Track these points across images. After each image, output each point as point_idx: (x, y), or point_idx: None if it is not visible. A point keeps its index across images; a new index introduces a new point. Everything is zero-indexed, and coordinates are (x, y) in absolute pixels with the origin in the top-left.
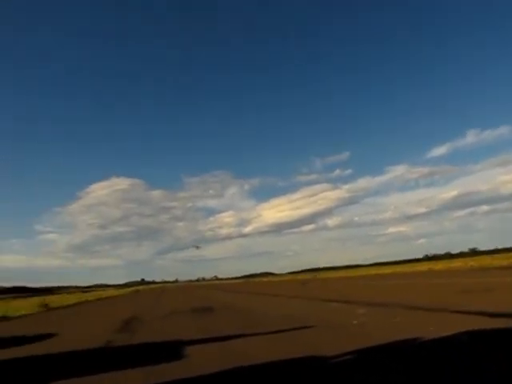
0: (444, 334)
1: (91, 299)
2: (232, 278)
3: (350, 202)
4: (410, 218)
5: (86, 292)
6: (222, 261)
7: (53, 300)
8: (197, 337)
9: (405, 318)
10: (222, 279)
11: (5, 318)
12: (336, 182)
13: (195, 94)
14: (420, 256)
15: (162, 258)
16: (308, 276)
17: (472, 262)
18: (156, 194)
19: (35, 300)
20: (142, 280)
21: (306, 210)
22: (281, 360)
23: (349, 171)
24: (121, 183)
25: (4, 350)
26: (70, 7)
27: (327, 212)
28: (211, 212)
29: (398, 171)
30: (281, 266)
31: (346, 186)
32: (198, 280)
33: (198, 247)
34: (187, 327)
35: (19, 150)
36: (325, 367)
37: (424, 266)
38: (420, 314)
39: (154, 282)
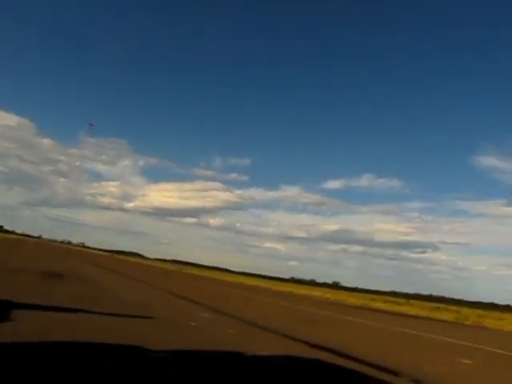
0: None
1: None
2: (100, 250)
3: (237, 207)
4: (288, 238)
5: None
6: (95, 229)
7: None
8: (34, 301)
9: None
10: (88, 247)
11: None
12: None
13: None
14: (287, 277)
15: (31, 209)
16: (174, 267)
17: (328, 295)
18: (45, 142)
19: None
20: (0, 227)
21: (193, 203)
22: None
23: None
24: (6, 119)
25: None
26: None
27: (212, 211)
28: (98, 177)
29: (292, 191)
30: (152, 250)
31: (239, 192)
32: (62, 242)
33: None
34: (30, 289)
35: None
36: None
37: (288, 287)
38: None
39: (13, 232)
